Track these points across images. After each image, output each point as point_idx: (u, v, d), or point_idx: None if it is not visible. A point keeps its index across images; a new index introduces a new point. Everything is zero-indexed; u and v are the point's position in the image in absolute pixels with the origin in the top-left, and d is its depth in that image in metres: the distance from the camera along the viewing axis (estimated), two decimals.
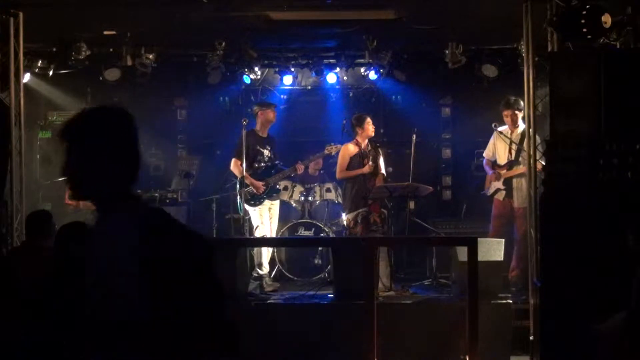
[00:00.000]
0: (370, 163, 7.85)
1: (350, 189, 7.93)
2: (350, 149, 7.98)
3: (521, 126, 7.85)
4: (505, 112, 7.99)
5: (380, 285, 7.40)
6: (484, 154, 8.33)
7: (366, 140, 7.96)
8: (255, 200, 8.20)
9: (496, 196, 8.05)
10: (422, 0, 7.54)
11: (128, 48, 8.83)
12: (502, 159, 8.04)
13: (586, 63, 5.94)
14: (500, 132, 8.01)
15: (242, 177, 8.03)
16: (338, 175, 8.14)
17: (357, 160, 7.91)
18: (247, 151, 8.11)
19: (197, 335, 2.34)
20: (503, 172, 7.99)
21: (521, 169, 7.76)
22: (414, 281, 8.17)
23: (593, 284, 5.52)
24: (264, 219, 8.27)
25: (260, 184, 8.19)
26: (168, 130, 10.41)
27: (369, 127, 7.99)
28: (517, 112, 7.88)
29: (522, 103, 7.84)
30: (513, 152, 7.95)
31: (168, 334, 2.30)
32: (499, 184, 7.99)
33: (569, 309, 5.64)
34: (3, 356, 4.01)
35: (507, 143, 7.95)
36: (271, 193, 8.37)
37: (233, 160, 8.27)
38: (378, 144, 8.05)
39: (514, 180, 7.88)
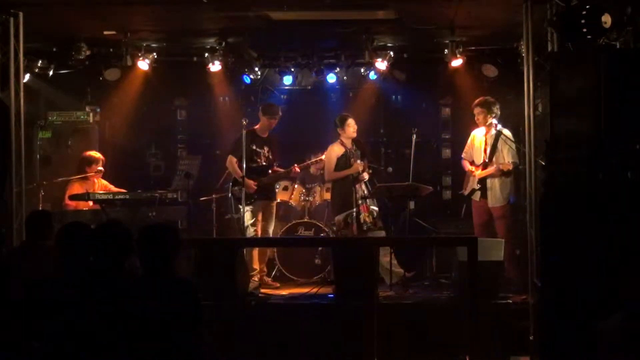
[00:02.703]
0: (359, 162, 7.84)
1: (338, 190, 7.92)
2: (336, 149, 7.98)
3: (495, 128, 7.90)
4: (477, 110, 8.00)
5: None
6: (462, 155, 8.34)
7: (351, 140, 7.97)
8: (247, 199, 8.16)
9: (473, 197, 8.08)
10: (422, 0, 7.54)
11: (128, 48, 8.83)
12: (479, 159, 8.05)
13: (586, 63, 5.92)
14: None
15: (241, 176, 8.01)
16: (327, 177, 8.13)
17: (343, 161, 7.92)
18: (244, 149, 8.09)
19: None
20: (478, 172, 8.00)
21: (492, 169, 7.82)
22: (414, 281, 8.17)
23: (593, 284, 5.51)
24: (258, 220, 8.24)
25: (252, 183, 8.12)
26: (168, 130, 10.40)
27: (349, 129, 8.01)
28: (487, 112, 7.90)
29: (496, 107, 7.92)
30: (488, 153, 7.96)
31: None
32: (473, 184, 8.02)
33: (569, 309, 5.63)
34: (3, 357, 4.01)
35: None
36: (265, 193, 8.31)
37: (229, 157, 8.25)
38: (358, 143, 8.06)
39: (488, 180, 7.93)
